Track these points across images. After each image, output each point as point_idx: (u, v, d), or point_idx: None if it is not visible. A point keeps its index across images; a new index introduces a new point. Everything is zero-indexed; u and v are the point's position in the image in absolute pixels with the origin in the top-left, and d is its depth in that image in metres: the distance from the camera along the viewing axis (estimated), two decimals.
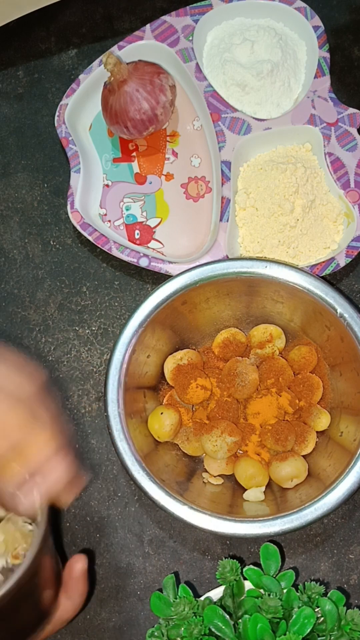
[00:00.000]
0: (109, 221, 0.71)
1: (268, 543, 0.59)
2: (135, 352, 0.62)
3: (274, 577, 0.57)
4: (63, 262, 0.70)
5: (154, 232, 0.71)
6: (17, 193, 0.72)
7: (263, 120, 0.70)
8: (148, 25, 0.72)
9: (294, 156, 0.70)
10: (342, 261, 0.66)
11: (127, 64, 0.67)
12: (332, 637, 0.54)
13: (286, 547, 0.64)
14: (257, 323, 0.67)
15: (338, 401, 0.65)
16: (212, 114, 0.70)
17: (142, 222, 0.71)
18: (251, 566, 0.58)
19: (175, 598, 0.56)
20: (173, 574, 0.58)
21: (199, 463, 0.65)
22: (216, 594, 0.58)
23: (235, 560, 0.56)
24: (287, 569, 0.59)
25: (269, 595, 0.54)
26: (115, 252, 0.68)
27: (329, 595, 0.56)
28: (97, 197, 0.71)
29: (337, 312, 0.61)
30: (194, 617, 0.54)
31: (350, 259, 0.67)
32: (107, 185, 0.72)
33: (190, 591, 0.57)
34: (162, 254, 0.70)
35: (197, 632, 0.52)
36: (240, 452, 0.64)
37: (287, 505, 0.60)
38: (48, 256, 0.71)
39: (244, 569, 0.57)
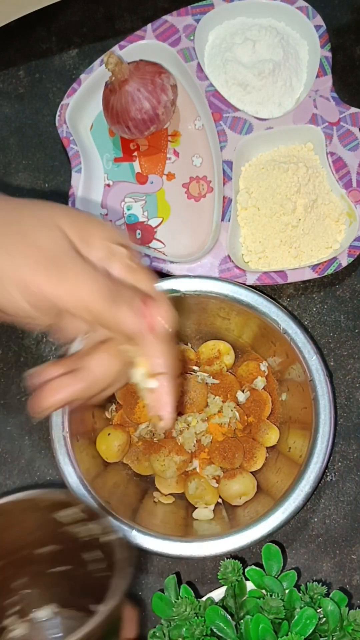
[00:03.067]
0: (111, 221, 0.71)
1: (270, 544, 0.59)
2: None
3: (276, 578, 0.57)
4: None
5: (156, 232, 0.70)
6: (18, 193, 0.72)
7: (265, 119, 0.70)
8: (149, 25, 0.71)
9: (295, 156, 0.70)
10: (344, 261, 0.66)
11: (129, 63, 0.67)
12: (334, 638, 0.54)
13: (288, 547, 0.63)
14: (208, 339, 0.66)
15: (286, 416, 0.64)
16: (214, 113, 0.70)
17: (144, 222, 0.71)
18: (253, 567, 0.58)
19: (177, 598, 0.56)
20: (175, 575, 0.58)
21: (150, 482, 0.65)
22: (218, 594, 0.57)
23: (237, 560, 0.56)
24: (289, 570, 0.59)
25: (271, 595, 0.54)
26: None
27: (331, 595, 0.56)
28: (98, 197, 0.71)
29: (280, 328, 0.61)
30: (196, 617, 0.54)
31: (352, 259, 0.66)
32: (108, 185, 0.72)
33: (191, 592, 0.57)
34: (164, 254, 0.69)
35: (198, 633, 0.52)
36: (192, 469, 0.64)
37: (237, 523, 0.60)
38: None
39: (246, 570, 0.57)
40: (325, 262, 0.66)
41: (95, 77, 0.71)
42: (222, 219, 0.68)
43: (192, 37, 0.71)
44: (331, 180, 0.69)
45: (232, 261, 0.66)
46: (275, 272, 0.66)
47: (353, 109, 0.69)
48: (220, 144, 0.69)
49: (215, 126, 0.69)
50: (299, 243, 0.68)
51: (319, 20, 0.71)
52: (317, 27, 0.71)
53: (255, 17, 0.73)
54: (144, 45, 0.72)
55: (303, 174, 0.67)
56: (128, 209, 0.71)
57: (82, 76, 0.71)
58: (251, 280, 0.66)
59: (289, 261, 0.68)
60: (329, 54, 0.71)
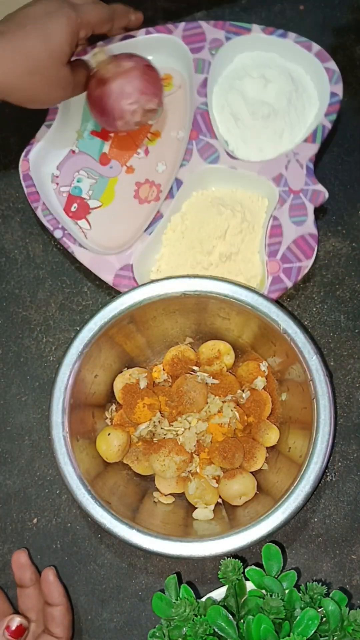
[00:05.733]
0: (57, 184, 0.71)
1: (270, 544, 0.59)
2: (81, 372, 0.61)
3: (276, 578, 0.57)
4: (64, 262, 0.70)
5: (90, 213, 0.71)
6: (18, 193, 0.72)
7: (234, 158, 0.69)
8: (183, 24, 0.71)
9: (245, 205, 0.69)
10: None
11: (136, 57, 0.66)
12: (334, 638, 0.54)
13: (288, 547, 0.64)
14: (208, 339, 0.66)
15: (286, 416, 0.64)
16: (193, 130, 0.69)
17: (84, 199, 0.71)
18: (253, 567, 0.58)
19: (177, 598, 0.56)
20: (175, 574, 0.58)
21: (150, 482, 0.65)
22: (218, 594, 0.57)
23: (237, 560, 0.56)
24: (289, 570, 0.59)
25: (271, 595, 0.54)
26: (38, 213, 0.68)
27: (331, 595, 0.56)
28: (59, 157, 0.72)
29: (280, 328, 0.61)
30: (195, 617, 0.54)
31: None
32: (74, 152, 0.72)
33: (192, 592, 0.57)
34: (85, 236, 0.70)
35: (202, 632, 0.52)
36: (191, 470, 0.64)
37: (237, 523, 0.60)
38: (49, 256, 0.71)
39: (246, 570, 0.57)
40: None
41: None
42: (145, 230, 0.67)
43: (214, 52, 0.70)
44: (263, 242, 0.67)
45: (132, 271, 0.66)
46: None
47: (319, 187, 0.67)
48: (182, 162, 0.69)
49: (187, 143, 0.69)
50: None
51: (339, 88, 0.70)
52: (333, 94, 0.69)
53: (287, 59, 0.72)
54: (166, 40, 0.71)
55: (235, 224, 0.67)
56: (78, 181, 0.72)
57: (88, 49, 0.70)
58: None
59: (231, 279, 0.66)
60: (329, 125, 0.69)
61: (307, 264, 0.66)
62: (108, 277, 0.66)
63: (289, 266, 0.66)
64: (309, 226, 0.66)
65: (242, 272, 0.67)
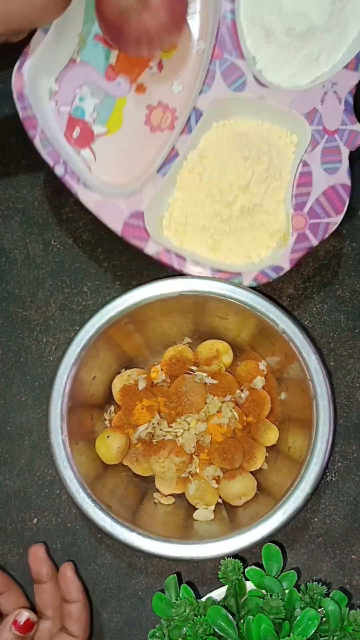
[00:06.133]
0: (56, 102, 0.62)
1: (270, 544, 0.59)
2: (79, 374, 0.61)
3: (276, 578, 0.57)
4: (64, 262, 0.70)
5: (94, 141, 0.63)
6: (18, 193, 0.72)
7: (264, 86, 0.60)
8: None
9: (270, 143, 0.61)
10: (247, 282, 0.61)
11: None
12: (334, 638, 0.54)
13: (288, 547, 0.64)
14: (206, 338, 0.66)
15: (286, 415, 0.64)
16: (217, 47, 0.59)
17: (88, 123, 0.62)
18: (253, 567, 0.58)
19: (177, 599, 0.56)
20: (175, 575, 0.58)
21: (150, 483, 0.65)
22: (218, 594, 0.58)
23: (237, 560, 0.56)
24: (289, 570, 0.59)
25: (271, 595, 0.54)
26: (36, 143, 0.60)
27: (331, 595, 0.56)
28: (58, 68, 0.62)
29: (279, 328, 0.61)
30: (195, 617, 0.54)
31: (254, 284, 0.61)
32: (74, 61, 0.62)
33: (192, 592, 0.57)
34: (89, 169, 0.62)
35: (202, 632, 0.52)
36: (191, 470, 0.63)
37: (238, 523, 0.60)
38: (49, 256, 0.71)
39: (246, 570, 0.57)
40: (229, 272, 0.61)
41: None
42: (158, 171, 0.60)
43: None
44: (289, 192, 0.60)
45: (143, 220, 0.60)
46: (177, 255, 0.61)
47: (357, 127, 0.60)
48: (203, 87, 0.60)
49: (209, 63, 0.60)
50: (220, 237, 0.62)
51: None
52: None
53: None
54: None
55: (260, 171, 0.60)
56: (80, 100, 0.62)
57: None
58: (151, 251, 0.61)
59: (202, 250, 0.62)
60: None
61: (336, 220, 0.59)
62: (116, 226, 0.60)
63: (316, 222, 0.59)
64: (342, 175, 0.59)
65: (264, 225, 0.61)
